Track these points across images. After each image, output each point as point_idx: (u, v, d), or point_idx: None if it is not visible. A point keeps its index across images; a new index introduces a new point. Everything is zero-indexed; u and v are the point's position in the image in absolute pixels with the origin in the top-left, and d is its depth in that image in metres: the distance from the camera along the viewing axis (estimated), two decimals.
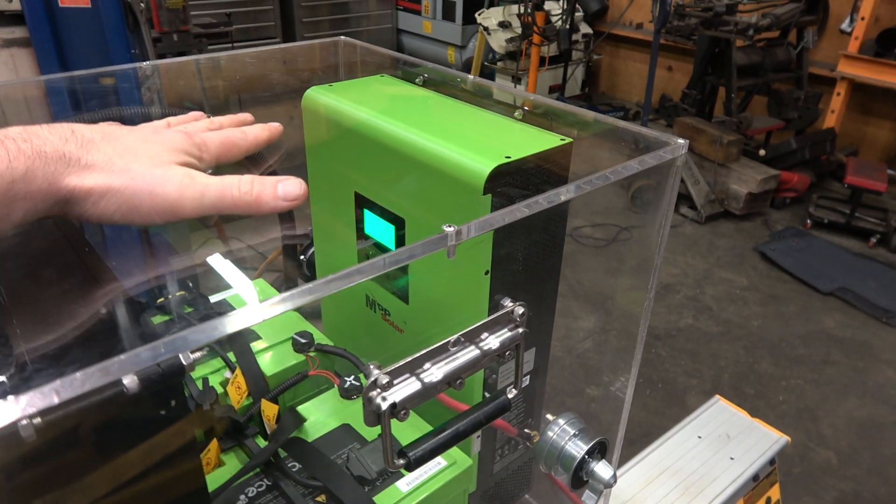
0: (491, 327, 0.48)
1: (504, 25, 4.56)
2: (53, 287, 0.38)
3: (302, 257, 1.02)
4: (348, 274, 0.38)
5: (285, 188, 0.44)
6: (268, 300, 0.33)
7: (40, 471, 0.32)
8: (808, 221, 3.47)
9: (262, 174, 0.57)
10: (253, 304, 0.35)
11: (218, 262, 0.86)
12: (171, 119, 0.54)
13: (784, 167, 3.65)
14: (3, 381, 0.33)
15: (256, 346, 0.78)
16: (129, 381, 0.32)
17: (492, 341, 0.47)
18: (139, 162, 0.40)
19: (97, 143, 0.40)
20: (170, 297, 0.82)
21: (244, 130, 0.52)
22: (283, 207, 0.44)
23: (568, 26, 4.17)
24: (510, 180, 0.59)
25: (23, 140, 0.37)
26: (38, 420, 0.30)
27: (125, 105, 0.83)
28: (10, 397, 0.28)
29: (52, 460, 0.32)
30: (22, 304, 0.36)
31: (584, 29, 4.88)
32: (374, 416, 0.42)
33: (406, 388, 0.43)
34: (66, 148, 0.38)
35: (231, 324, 0.34)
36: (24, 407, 0.28)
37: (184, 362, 0.34)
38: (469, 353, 0.46)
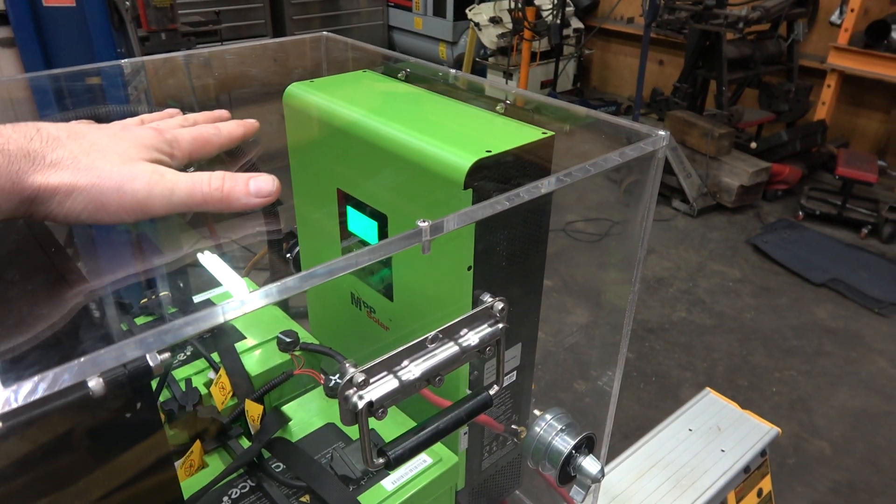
0: (470, 323, 0.47)
1: (495, 21, 4.56)
2: (17, 287, 0.37)
3: (288, 255, 1.02)
4: (324, 269, 0.37)
5: (257, 184, 0.43)
6: (242, 296, 0.33)
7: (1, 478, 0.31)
8: (800, 213, 3.48)
9: (240, 170, 0.56)
10: (228, 301, 0.34)
11: (207, 260, 0.85)
12: (145, 116, 0.53)
13: (775, 159, 3.66)
14: None
15: (241, 345, 0.78)
16: (95, 383, 0.32)
17: (471, 337, 0.47)
18: (106, 159, 0.40)
19: (63, 141, 0.39)
20: (153, 297, 0.81)
21: (218, 126, 0.51)
22: (255, 204, 0.43)
23: (559, 21, 4.17)
24: (491, 174, 0.58)
25: None
26: None
27: (110, 104, 0.82)
28: None
29: (13, 467, 0.31)
30: None
31: (575, 24, 4.88)
32: (351, 415, 0.41)
33: (383, 386, 0.42)
34: (30, 146, 0.38)
35: (199, 322, 0.33)
36: None
37: (151, 363, 0.33)
38: (448, 350, 0.45)
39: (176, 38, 2.87)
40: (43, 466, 0.32)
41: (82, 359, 0.28)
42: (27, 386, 0.28)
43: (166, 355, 0.34)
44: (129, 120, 0.51)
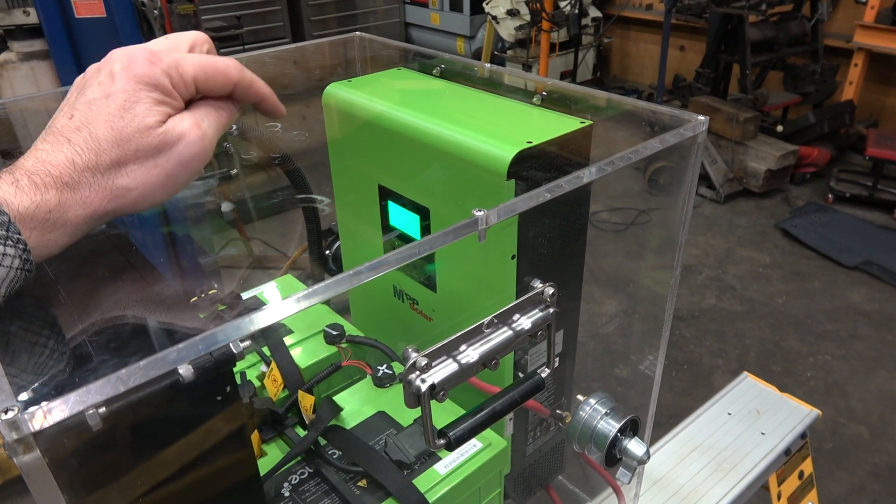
0: (522, 308, 0.49)
1: (512, 13, 4.54)
2: (107, 285, 0.39)
3: (327, 252, 1.04)
4: (384, 261, 0.39)
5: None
6: (316, 286, 0.35)
7: (106, 458, 0.34)
8: (830, 196, 3.43)
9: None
10: (294, 294, 0.36)
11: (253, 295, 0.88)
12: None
13: (803, 142, 3.60)
14: (61, 372, 0.34)
15: (289, 339, 0.80)
16: (184, 370, 0.34)
17: (524, 322, 0.48)
18: (149, 155, 0.42)
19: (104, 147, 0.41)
20: (203, 294, 0.84)
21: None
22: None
23: (577, 11, 4.14)
24: (533, 165, 0.60)
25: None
26: (103, 409, 0.32)
27: None
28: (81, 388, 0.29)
29: (117, 448, 0.34)
30: (79, 301, 0.38)
31: (594, 13, 4.84)
32: (415, 397, 0.43)
33: (444, 369, 0.44)
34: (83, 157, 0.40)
35: (276, 313, 0.35)
36: (91, 396, 0.30)
37: (234, 350, 0.35)
38: (502, 334, 0.47)
39: None
40: (140, 447, 0.34)
41: (180, 346, 0.31)
42: (130, 372, 0.31)
43: (247, 343, 0.36)
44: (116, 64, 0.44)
